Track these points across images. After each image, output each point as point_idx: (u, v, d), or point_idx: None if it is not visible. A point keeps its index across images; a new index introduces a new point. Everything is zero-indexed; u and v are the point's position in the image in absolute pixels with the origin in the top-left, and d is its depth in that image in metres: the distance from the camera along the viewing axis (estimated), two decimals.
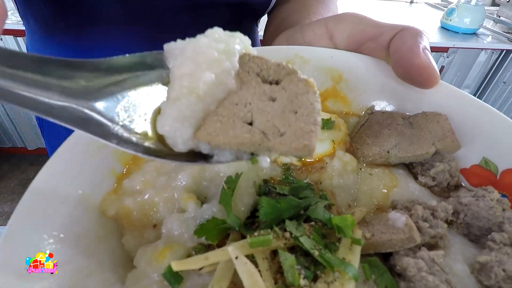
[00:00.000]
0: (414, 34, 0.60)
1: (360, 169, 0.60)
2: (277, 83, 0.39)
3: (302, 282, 0.40)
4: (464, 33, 3.05)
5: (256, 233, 0.43)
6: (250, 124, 0.37)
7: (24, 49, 2.57)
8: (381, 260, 0.47)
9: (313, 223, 0.47)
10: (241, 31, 1.14)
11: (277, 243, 0.43)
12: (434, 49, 2.84)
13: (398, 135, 0.61)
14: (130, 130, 0.37)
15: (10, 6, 2.57)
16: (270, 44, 0.76)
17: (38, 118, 1.38)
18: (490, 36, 3.11)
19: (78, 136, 0.50)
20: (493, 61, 3.08)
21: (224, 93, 0.39)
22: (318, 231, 0.46)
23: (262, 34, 1.13)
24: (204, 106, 0.37)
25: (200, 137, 0.36)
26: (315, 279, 0.41)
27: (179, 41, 0.40)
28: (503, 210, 0.50)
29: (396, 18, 3.43)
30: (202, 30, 0.42)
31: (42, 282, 0.40)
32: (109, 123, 0.36)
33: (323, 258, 0.41)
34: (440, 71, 3.05)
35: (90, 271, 0.44)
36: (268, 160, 0.39)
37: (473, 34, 3.08)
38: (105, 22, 0.92)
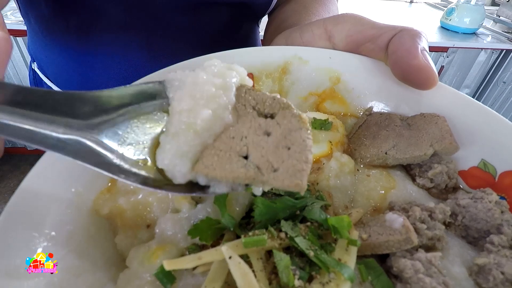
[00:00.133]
0: (412, 35, 0.60)
1: (358, 170, 0.59)
2: (272, 116, 0.41)
3: (297, 282, 0.39)
4: (463, 33, 3.06)
5: (250, 233, 0.42)
6: (246, 157, 0.38)
7: (23, 49, 2.58)
8: (378, 261, 0.46)
9: (309, 223, 0.46)
10: (242, 32, 1.14)
11: (272, 243, 0.42)
12: (433, 49, 2.85)
13: (396, 137, 0.60)
14: (130, 160, 0.38)
15: (11, 6, 2.58)
16: (269, 45, 0.76)
17: None
18: (490, 36, 3.12)
19: None
20: (493, 60, 3.09)
21: (221, 127, 0.40)
22: (314, 231, 0.45)
23: (263, 34, 1.13)
24: (201, 140, 0.39)
25: (198, 170, 0.38)
26: (310, 280, 0.40)
27: (178, 71, 0.42)
28: (502, 212, 0.49)
29: (395, 18, 3.44)
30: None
31: (33, 280, 0.39)
32: (110, 155, 0.37)
33: (318, 258, 0.41)
34: (440, 71, 3.06)
35: (81, 270, 0.44)
36: (261, 189, 0.40)
37: (473, 34, 3.09)
38: (105, 23, 0.92)
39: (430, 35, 2.92)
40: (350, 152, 0.63)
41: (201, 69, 0.42)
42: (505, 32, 3.18)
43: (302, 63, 0.70)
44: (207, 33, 1.00)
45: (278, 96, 0.42)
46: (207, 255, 0.41)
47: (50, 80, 1.13)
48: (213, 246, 0.45)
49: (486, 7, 3.19)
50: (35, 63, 1.18)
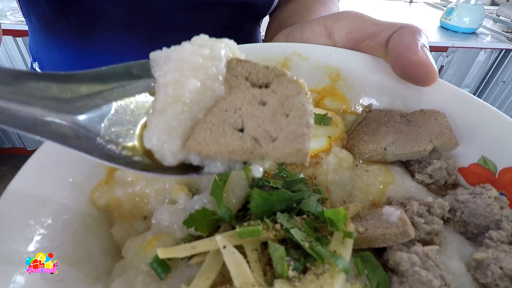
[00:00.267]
0: (412, 31, 0.59)
1: (356, 165, 0.59)
2: (266, 86, 0.38)
3: (291, 273, 0.39)
4: (463, 33, 3.05)
5: (245, 224, 0.42)
6: (241, 130, 0.35)
7: (23, 49, 2.60)
8: (375, 255, 0.45)
9: (305, 216, 0.46)
10: (243, 32, 1.14)
11: (267, 235, 0.42)
12: (433, 49, 2.84)
13: (395, 133, 0.60)
14: (117, 144, 0.36)
15: (10, 6, 2.59)
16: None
17: None
18: (489, 35, 3.11)
19: None
20: (492, 60, 3.08)
21: (212, 100, 0.37)
22: (310, 224, 0.45)
23: (264, 34, 1.13)
24: (191, 114, 0.36)
25: (190, 148, 0.35)
26: (304, 271, 0.40)
27: (164, 48, 0.39)
28: (501, 208, 0.49)
29: (395, 17, 3.43)
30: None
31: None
32: (94, 138, 0.34)
33: (313, 250, 0.40)
34: (440, 70, 3.05)
35: (76, 259, 0.44)
36: (261, 169, 0.37)
37: (473, 33, 3.08)
38: (106, 22, 0.93)
39: (430, 35, 2.92)
40: (349, 148, 0.62)
41: (188, 42, 0.39)
42: (505, 31, 3.17)
43: (302, 60, 0.70)
44: (209, 32, 1.00)
45: (272, 65, 0.39)
46: (202, 245, 0.41)
47: None
48: (208, 237, 0.45)
49: (485, 7, 3.19)
50: (36, 62, 1.19)
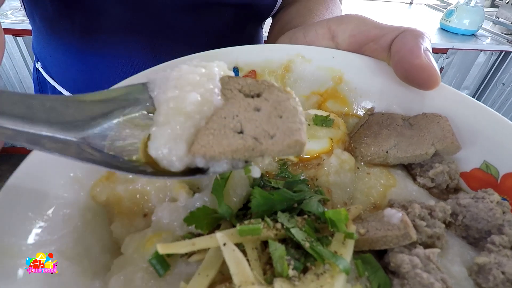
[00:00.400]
0: (415, 35, 0.60)
1: (358, 168, 0.59)
2: (258, 95, 0.42)
3: (291, 273, 0.38)
4: (463, 35, 3.07)
5: (246, 222, 0.42)
6: (241, 133, 0.39)
7: (23, 49, 2.61)
8: (376, 258, 0.45)
9: (306, 216, 0.46)
10: (246, 34, 1.15)
11: (267, 233, 0.42)
12: (433, 50, 2.83)
13: (398, 136, 0.60)
14: (121, 158, 0.39)
15: (11, 5, 2.60)
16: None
17: None
18: (489, 37, 3.12)
19: None
20: (492, 62, 3.09)
21: (211, 110, 0.40)
22: (310, 224, 0.45)
23: (267, 36, 1.14)
24: (194, 122, 0.39)
25: (195, 151, 0.37)
26: (304, 270, 0.40)
27: (160, 73, 0.43)
28: (503, 212, 0.48)
29: (395, 19, 3.45)
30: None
31: (25, 259, 0.39)
32: (99, 152, 0.37)
33: (314, 250, 0.40)
34: (440, 72, 3.06)
35: (75, 254, 0.43)
36: (259, 170, 0.42)
37: (472, 35, 3.10)
38: (109, 23, 0.93)
39: (430, 37, 2.95)
40: (351, 150, 0.62)
41: (183, 64, 0.43)
42: (504, 33, 3.18)
43: (305, 62, 0.70)
44: (211, 34, 1.00)
45: (262, 79, 0.44)
46: (202, 241, 0.41)
47: (53, 79, 1.14)
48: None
49: (485, 9, 3.20)
50: (39, 62, 1.19)
